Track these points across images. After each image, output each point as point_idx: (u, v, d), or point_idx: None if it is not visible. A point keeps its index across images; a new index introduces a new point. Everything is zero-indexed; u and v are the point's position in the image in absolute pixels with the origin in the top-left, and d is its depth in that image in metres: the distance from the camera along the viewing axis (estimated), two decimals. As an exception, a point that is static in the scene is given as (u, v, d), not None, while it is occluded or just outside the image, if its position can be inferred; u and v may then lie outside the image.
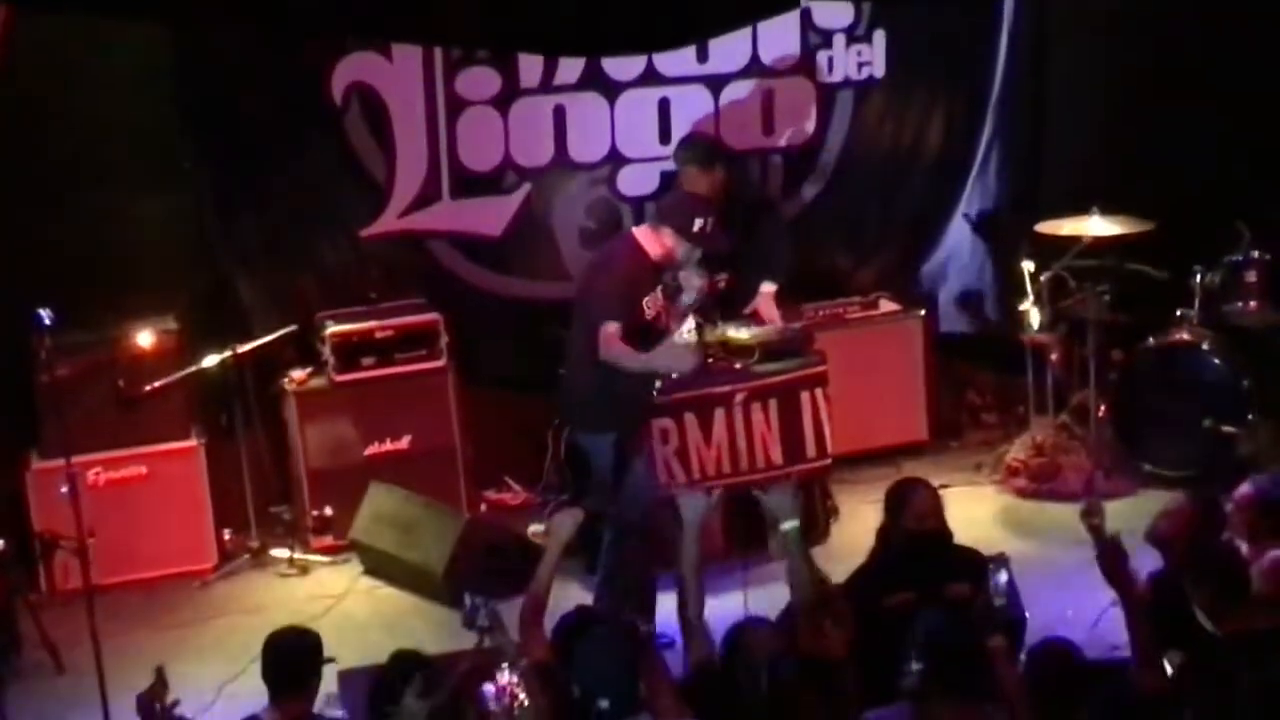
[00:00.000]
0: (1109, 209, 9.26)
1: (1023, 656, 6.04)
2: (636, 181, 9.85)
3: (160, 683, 5.69)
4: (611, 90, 9.74)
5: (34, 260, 8.63)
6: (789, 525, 6.50)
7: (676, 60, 9.69)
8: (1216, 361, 9.14)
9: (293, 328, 9.09)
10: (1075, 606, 7.27)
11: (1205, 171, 9.89)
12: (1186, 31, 9.94)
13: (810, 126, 10.16)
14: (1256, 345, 9.24)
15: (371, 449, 9.04)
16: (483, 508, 9.36)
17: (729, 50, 9.80)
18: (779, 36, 9.92)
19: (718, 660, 6.06)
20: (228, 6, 6.49)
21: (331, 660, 6.03)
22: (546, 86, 9.64)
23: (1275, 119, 9.94)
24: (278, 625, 6.20)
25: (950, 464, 9.68)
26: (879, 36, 10.12)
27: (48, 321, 7.29)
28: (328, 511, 8.95)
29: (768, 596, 7.19)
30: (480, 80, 9.54)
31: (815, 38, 10.05)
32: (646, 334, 7.33)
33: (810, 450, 7.77)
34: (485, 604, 6.01)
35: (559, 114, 9.70)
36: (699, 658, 6.20)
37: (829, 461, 8.47)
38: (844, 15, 10.07)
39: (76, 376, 8.30)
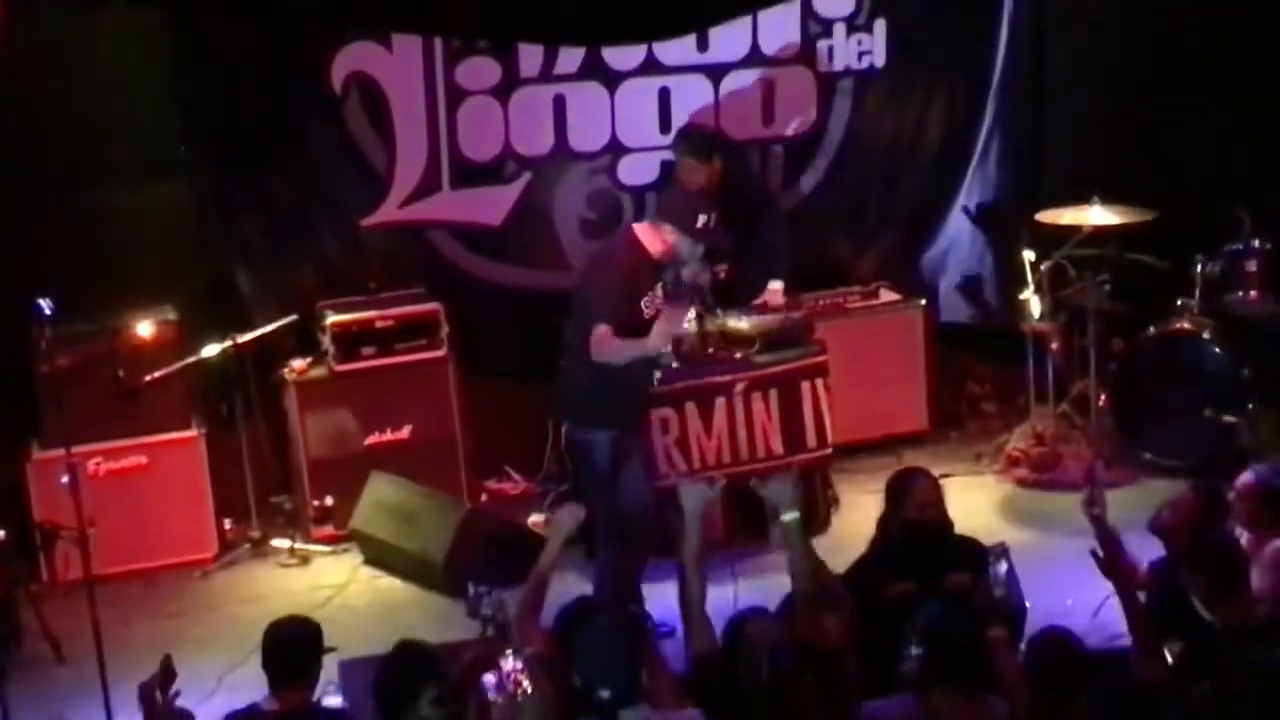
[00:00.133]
0: (1109, 198, 9.25)
1: (1023, 646, 6.04)
2: (637, 171, 9.85)
3: (166, 672, 5.70)
4: (612, 80, 9.73)
5: (34, 250, 8.63)
6: (790, 516, 6.51)
7: (676, 50, 9.68)
8: (1217, 351, 9.13)
9: (293, 318, 9.09)
10: (1076, 596, 7.27)
11: (1205, 161, 9.88)
12: (1186, 21, 9.93)
13: (811, 116, 10.15)
14: (1257, 335, 9.23)
15: (372, 439, 9.04)
16: (483, 497, 9.36)
17: (729, 39, 9.80)
18: (779, 26, 9.92)
19: (719, 651, 6.07)
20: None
21: (332, 650, 6.03)
22: (546, 76, 9.64)
23: (1276, 108, 9.93)
24: (278, 615, 6.20)
25: (951, 454, 9.68)
26: (879, 26, 10.12)
27: (48, 312, 7.29)
28: (328, 501, 8.96)
29: (765, 587, 7.21)
30: (480, 70, 9.53)
31: (816, 27, 10.05)
32: (644, 332, 7.29)
33: (811, 440, 7.79)
34: (490, 593, 6.01)
35: (559, 104, 9.69)
36: (700, 648, 6.20)
37: (829, 451, 8.48)
38: (844, 4, 10.06)
39: (77, 367, 8.30)
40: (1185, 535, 6.40)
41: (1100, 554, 6.30)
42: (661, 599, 7.31)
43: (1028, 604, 6.73)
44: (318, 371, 9.03)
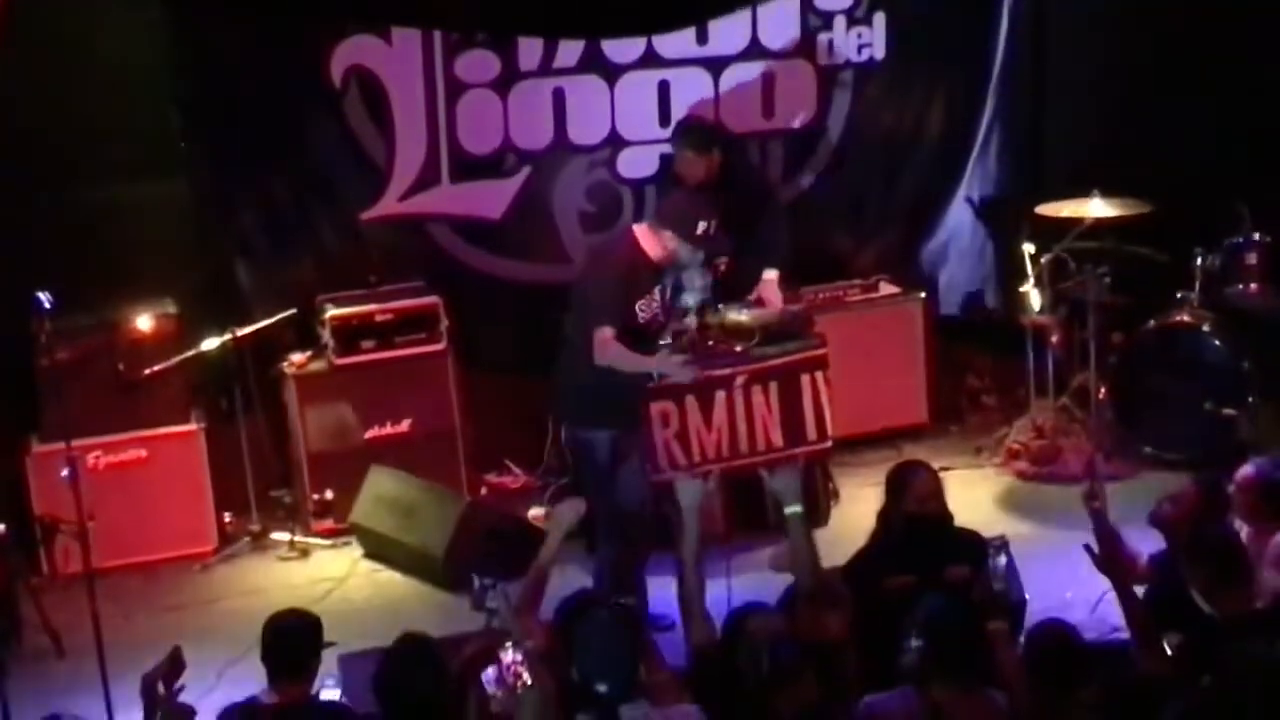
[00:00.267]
0: (1109, 191, 9.25)
1: (1022, 639, 6.04)
2: (636, 164, 9.85)
3: (174, 663, 5.70)
4: (611, 73, 9.72)
5: (34, 244, 8.62)
6: (793, 510, 6.50)
7: (676, 42, 9.68)
8: (1217, 344, 9.13)
9: (292, 311, 9.08)
10: (1076, 589, 7.27)
11: (1205, 154, 9.89)
12: (1186, 14, 9.92)
13: (811, 109, 10.15)
14: (1257, 327, 9.23)
15: (372, 432, 9.04)
16: (483, 491, 9.36)
17: (729, 32, 9.80)
18: (779, 19, 9.92)
19: (718, 645, 6.07)
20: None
21: (332, 645, 6.03)
22: (546, 69, 9.63)
23: (1275, 102, 9.93)
24: (278, 608, 6.19)
25: (950, 447, 9.69)
26: (879, 19, 10.11)
27: (47, 305, 7.30)
28: (328, 495, 8.96)
29: (765, 580, 7.21)
30: (479, 63, 9.52)
31: (815, 20, 10.05)
32: (641, 335, 7.26)
33: (811, 433, 7.74)
34: (494, 585, 6.00)
35: (558, 97, 9.68)
36: (699, 642, 6.20)
37: (829, 444, 8.46)
38: (844, -3, 10.08)
39: (76, 360, 8.30)
40: (1186, 529, 6.39)
41: (1095, 549, 6.29)
42: (662, 593, 7.32)
43: (1027, 597, 6.74)
44: (317, 365, 9.02)
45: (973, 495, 8.87)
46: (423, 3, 7.81)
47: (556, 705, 5.56)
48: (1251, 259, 9.31)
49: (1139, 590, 6.37)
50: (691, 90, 9.83)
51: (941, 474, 7.02)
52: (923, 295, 9.97)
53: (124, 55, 8.78)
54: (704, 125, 9.32)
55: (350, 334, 9.00)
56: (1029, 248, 9.41)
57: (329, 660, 6.11)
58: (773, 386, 7.56)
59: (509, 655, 5.56)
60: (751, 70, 9.99)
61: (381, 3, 8.34)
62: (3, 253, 8.47)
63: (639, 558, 7.46)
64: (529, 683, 5.52)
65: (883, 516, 6.80)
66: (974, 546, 6.51)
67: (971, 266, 10.64)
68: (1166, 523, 6.66)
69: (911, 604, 5.75)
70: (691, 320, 7.60)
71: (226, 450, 8.91)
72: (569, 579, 7.14)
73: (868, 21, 10.11)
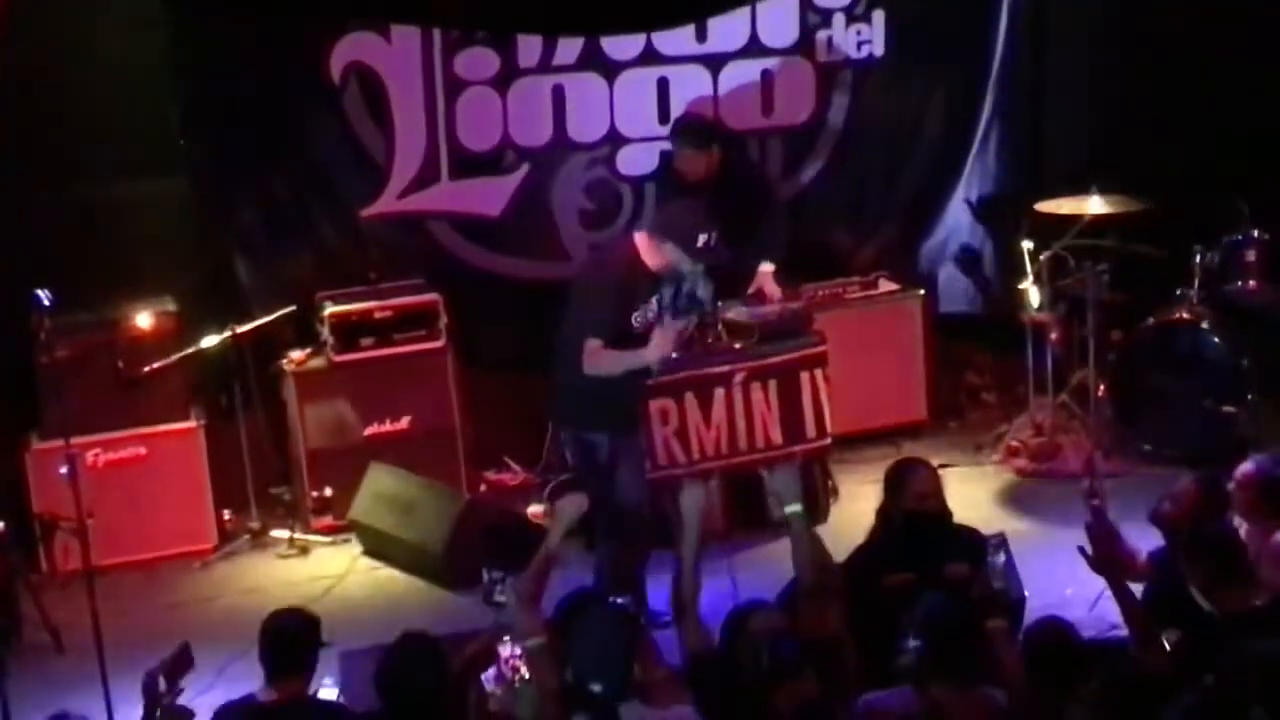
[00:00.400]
0: (1108, 188, 9.25)
1: (1020, 637, 6.04)
2: (636, 161, 9.85)
3: (181, 659, 5.71)
4: (610, 70, 9.73)
5: (34, 241, 8.63)
6: (793, 509, 6.50)
7: (675, 40, 9.68)
8: (1216, 341, 9.13)
9: (292, 308, 9.08)
10: (1075, 586, 7.27)
11: (1204, 151, 9.88)
12: (1186, 13, 9.92)
13: (810, 106, 10.15)
14: (1256, 324, 9.23)
15: (371, 429, 9.04)
16: (482, 488, 9.36)
17: (728, 30, 9.80)
18: (778, 16, 9.93)
19: (715, 643, 6.07)
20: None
21: (327, 645, 6.02)
22: (545, 66, 9.63)
23: (1274, 99, 9.93)
24: (277, 606, 6.21)
25: (950, 444, 9.69)
26: (878, 16, 10.12)
27: (47, 302, 7.30)
28: (327, 492, 8.96)
29: (764, 577, 7.21)
30: (479, 60, 9.52)
31: (814, 17, 10.05)
32: (636, 343, 7.21)
33: (810, 430, 7.75)
34: (504, 579, 5.99)
35: (558, 94, 9.69)
36: (695, 642, 6.20)
37: (828, 441, 8.45)
38: (843, -6, 10.08)
39: (76, 357, 8.30)
40: (1185, 526, 6.39)
41: (1089, 551, 6.30)
42: (663, 591, 7.32)
43: (1026, 594, 6.74)
44: (317, 362, 9.02)
45: (972, 492, 8.88)
46: (422, 0, 7.81)
47: (556, 701, 5.57)
48: (1250, 256, 9.30)
49: (1138, 588, 6.37)
50: (691, 88, 9.83)
51: (941, 471, 7.02)
52: (922, 292, 9.97)
53: (124, 54, 8.78)
54: (702, 122, 9.32)
55: (349, 331, 9.00)
56: (1028, 245, 9.41)
57: (328, 659, 6.11)
58: (772, 384, 7.57)
59: (507, 650, 5.57)
60: (751, 68, 9.99)
61: (381, 0, 8.34)
62: (3, 250, 8.47)
63: (639, 556, 7.46)
64: (526, 677, 5.53)
65: (882, 514, 6.80)
66: (973, 544, 6.52)
67: (970, 264, 10.63)
68: (1166, 520, 6.65)
69: (911, 601, 5.76)
70: (692, 320, 7.58)
71: (226, 447, 8.91)
72: (569, 577, 7.14)
73: (867, 19, 10.12)
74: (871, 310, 9.80)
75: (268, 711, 5.77)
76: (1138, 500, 7.13)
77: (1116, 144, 10.08)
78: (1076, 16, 10.29)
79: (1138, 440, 9.33)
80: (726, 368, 7.44)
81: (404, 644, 5.73)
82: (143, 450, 8.68)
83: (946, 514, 6.71)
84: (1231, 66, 9.94)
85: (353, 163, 9.45)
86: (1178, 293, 9.32)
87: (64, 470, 7.15)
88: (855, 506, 8.47)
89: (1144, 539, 6.75)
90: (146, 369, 8.59)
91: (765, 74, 10.02)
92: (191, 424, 8.80)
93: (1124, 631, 6.28)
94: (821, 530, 7.75)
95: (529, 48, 9.53)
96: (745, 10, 9.71)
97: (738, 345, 7.79)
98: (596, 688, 5.35)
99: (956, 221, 10.59)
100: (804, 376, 7.61)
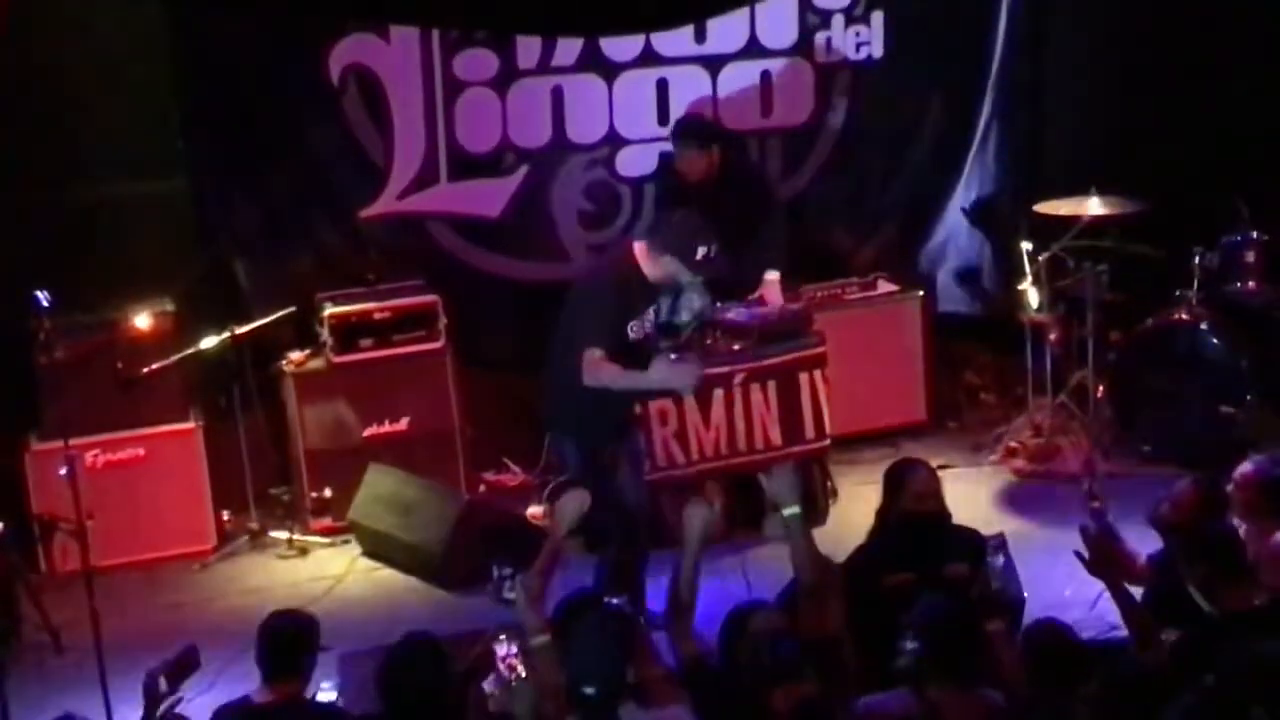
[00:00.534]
0: (1107, 189, 9.25)
1: (1019, 638, 6.04)
2: (635, 162, 9.86)
3: (187, 661, 5.70)
4: (609, 71, 9.73)
5: (33, 242, 8.63)
6: (791, 511, 6.50)
7: (674, 41, 9.69)
8: (1215, 341, 9.13)
9: (291, 309, 9.07)
10: (1074, 587, 7.27)
11: (1203, 151, 9.89)
12: (1185, 13, 9.93)
13: (809, 107, 10.15)
14: (1255, 325, 9.23)
15: (370, 430, 9.04)
16: (481, 489, 9.36)
17: (727, 31, 9.81)
18: (777, 17, 9.93)
19: (709, 652, 6.07)
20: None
21: (326, 649, 6.02)
22: (544, 68, 9.64)
23: (1273, 99, 9.93)
24: (277, 607, 6.21)
25: (949, 444, 9.68)
26: (877, 17, 10.13)
27: (46, 303, 7.30)
28: (326, 493, 8.96)
29: (765, 577, 7.21)
30: (478, 62, 9.53)
31: (814, 18, 10.06)
32: (632, 352, 7.21)
33: (809, 431, 7.75)
34: (513, 575, 5.97)
35: (557, 95, 9.69)
36: (688, 651, 6.20)
37: (828, 442, 8.46)
38: (842, -5, 10.08)
39: (75, 358, 8.30)
40: (1184, 528, 6.39)
41: (1086, 555, 6.29)
42: (663, 592, 7.31)
43: (1025, 595, 6.74)
44: (316, 363, 9.02)
45: (971, 493, 8.87)
46: (421, 1, 7.80)
47: (558, 700, 5.56)
48: (1250, 257, 9.29)
49: (1137, 591, 6.37)
50: (690, 89, 9.84)
51: (940, 472, 7.01)
52: (921, 293, 9.97)
53: (124, 55, 8.78)
54: (704, 122, 9.34)
55: (349, 332, 9.00)
56: (1027, 246, 9.41)
57: (327, 662, 6.11)
58: (771, 385, 7.57)
59: (504, 648, 5.57)
60: (750, 69, 10.00)
61: (380, 1, 8.33)
62: (2, 251, 8.47)
63: (638, 557, 7.46)
64: (522, 676, 5.53)
65: (881, 514, 6.79)
66: (972, 545, 6.52)
67: (969, 263, 10.63)
68: (1164, 522, 6.65)
69: (910, 602, 5.75)
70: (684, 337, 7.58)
71: (225, 448, 8.91)
72: (569, 578, 7.15)
73: (866, 20, 10.13)
74: (871, 311, 9.80)
75: (263, 712, 5.76)
76: (1137, 501, 7.12)
77: (1115, 145, 10.08)
78: (1075, 17, 10.29)
79: (1137, 441, 9.33)
80: (726, 369, 7.44)
81: (406, 645, 5.73)
82: (142, 451, 8.69)
83: (946, 515, 6.71)
84: (1231, 66, 9.95)
85: (352, 164, 9.46)
86: (1177, 293, 9.32)
87: (63, 471, 7.14)
88: (854, 508, 8.47)
89: (1143, 540, 6.75)
90: (146, 370, 8.58)
91: (764, 75, 10.03)
92: (191, 425, 8.80)
93: (1123, 632, 6.29)
94: (821, 531, 7.77)
95: (528, 49, 9.54)
96: (744, 11, 9.72)
97: (737, 346, 7.79)
98: (589, 691, 5.34)
99: (956, 223, 10.59)
100: (803, 377, 7.62)
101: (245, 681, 6.37)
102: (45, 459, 8.11)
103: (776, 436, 7.48)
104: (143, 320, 8.70)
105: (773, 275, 8.86)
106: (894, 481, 6.76)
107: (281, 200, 9.40)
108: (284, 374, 9.01)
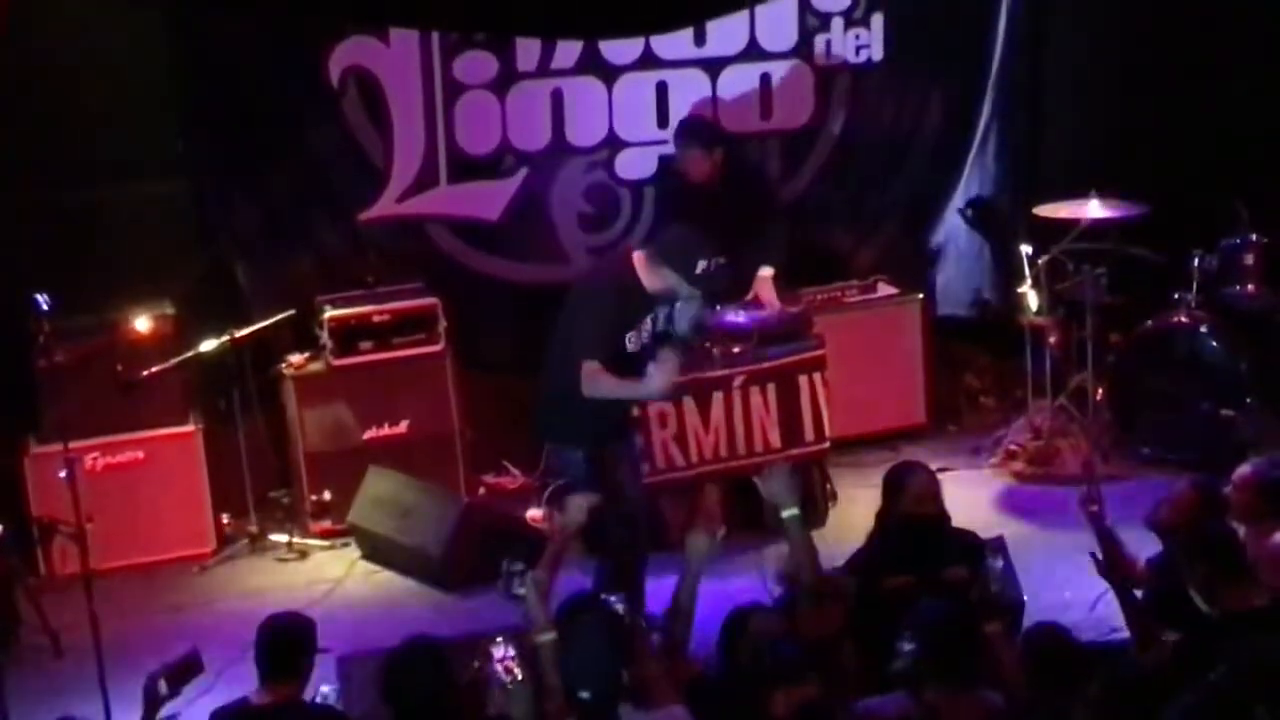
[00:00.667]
0: (1106, 192, 9.25)
1: (1019, 640, 6.04)
2: (634, 165, 9.86)
3: (190, 665, 5.70)
4: (609, 74, 9.74)
5: (32, 244, 8.63)
6: (790, 513, 6.51)
7: (674, 43, 9.69)
8: (1214, 344, 9.13)
9: (291, 312, 9.06)
10: (1074, 590, 7.28)
11: (1203, 154, 9.89)
12: (1184, 13, 9.93)
13: (809, 110, 10.16)
14: (1254, 328, 9.23)
15: (370, 433, 9.04)
16: (481, 492, 9.35)
17: (727, 33, 9.80)
18: (777, 19, 9.93)
19: (712, 646, 6.07)
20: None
21: (325, 650, 6.02)
22: (544, 70, 9.64)
23: (1274, 101, 9.93)
24: (276, 609, 6.20)
25: (948, 447, 9.67)
26: (877, 20, 10.13)
27: (45, 306, 7.30)
28: (326, 496, 8.95)
29: (760, 577, 7.21)
30: (478, 64, 9.53)
31: (813, 21, 10.06)
32: (629, 361, 7.18)
33: (809, 434, 7.79)
34: (523, 571, 5.95)
35: (556, 98, 9.69)
36: (686, 666, 6.20)
37: (827, 445, 8.47)
38: (842, -2, 10.08)
39: (75, 361, 8.28)
40: (1183, 531, 6.39)
41: (1100, 557, 6.30)
42: (663, 593, 7.31)
43: (1025, 598, 6.74)
44: (315, 366, 9.02)
45: (970, 496, 8.86)
46: (421, 3, 7.79)
47: (559, 699, 5.56)
48: (1249, 259, 9.29)
49: (1137, 594, 6.38)
50: (690, 91, 9.84)
51: (939, 475, 7.00)
52: (921, 296, 9.96)
53: (124, 56, 8.79)
54: (709, 123, 9.35)
55: (348, 335, 8.99)
56: (1026, 248, 9.40)
57: (326, 664, 6.11)
58: (770, 388, 7.61)
59: (500, 650, 5.57)
60: (750, 71, 10.00)
61: (380, 3, 8.33)
62: (2, 252, 8.46)
63: (638, 559, 7.46)
64: (520, 677, 5.53)
65: (880, 517, 6.79)
66: (971, 547, 6.52)
67: (969, 268, 10.64)
68: (1163, 525, 6.65)
69: (909, 605, 5.75)
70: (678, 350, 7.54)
71: (225, 451, 8.90)
72: (569, 579, 7.14)
73: (865, 22, 10.13)
74: (870, 314, 9.79)
75: (260, 714, 5.76)
76: (1136, 504, 7.12)
77: (1115, 147, 10.09)
78: (1075, 18, 10.29)
79: (1136, 443, 9.33)
80: (725, 371, 7.47)
81: (406, 649, 5.73)
82: (141, 454, 8.68)
83: (945, 518, 6.71)
84: (1231, 67, 9.95)
85: (352, 166, 9.46)
86: (1176, 296, 9.32)
87: (63, 474, 7.15)
88: (854, 510, 8.46)
89: (1142, 543, 6.75)
90: (145, 373, 8.57)
91: (764, 77, 10.03)
92: (190, 428, 8.79)
93: (1123, 634, 6.29)
94: (820, 534, 7.77)
95: (528, 51, 9.54)
96: (744, 14, 9.72)
97: (736, 349, 7.81)
98: (584, 694, 5.34)
99: (956, 225, 10.59)
100: (802, 380, 7.65)
101: (245, 684, 6.36)
102: (45, 462, 8.11)
103: (776, 439, 7.51)
104: (142, 323, 8.69)
105: (766, 272, 8.83)
106: (893, 484, 6.76)
107: (281, 201, 9.41)
108: (284, 377, 9.00)
